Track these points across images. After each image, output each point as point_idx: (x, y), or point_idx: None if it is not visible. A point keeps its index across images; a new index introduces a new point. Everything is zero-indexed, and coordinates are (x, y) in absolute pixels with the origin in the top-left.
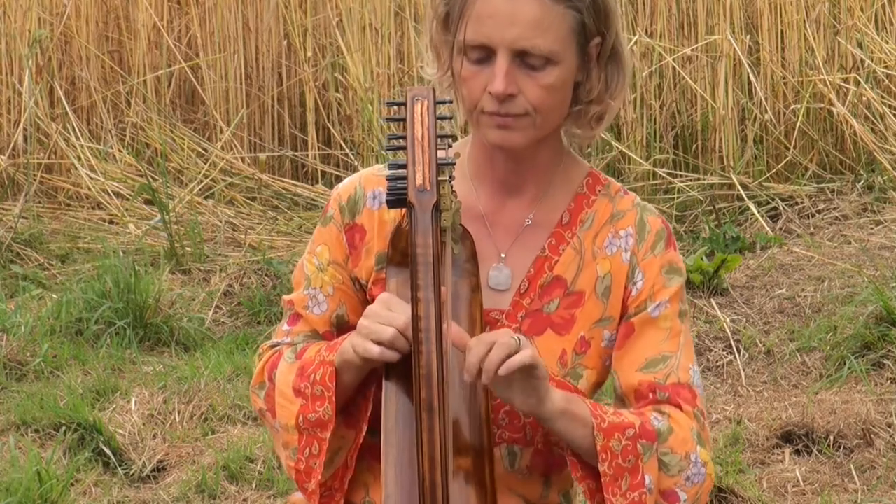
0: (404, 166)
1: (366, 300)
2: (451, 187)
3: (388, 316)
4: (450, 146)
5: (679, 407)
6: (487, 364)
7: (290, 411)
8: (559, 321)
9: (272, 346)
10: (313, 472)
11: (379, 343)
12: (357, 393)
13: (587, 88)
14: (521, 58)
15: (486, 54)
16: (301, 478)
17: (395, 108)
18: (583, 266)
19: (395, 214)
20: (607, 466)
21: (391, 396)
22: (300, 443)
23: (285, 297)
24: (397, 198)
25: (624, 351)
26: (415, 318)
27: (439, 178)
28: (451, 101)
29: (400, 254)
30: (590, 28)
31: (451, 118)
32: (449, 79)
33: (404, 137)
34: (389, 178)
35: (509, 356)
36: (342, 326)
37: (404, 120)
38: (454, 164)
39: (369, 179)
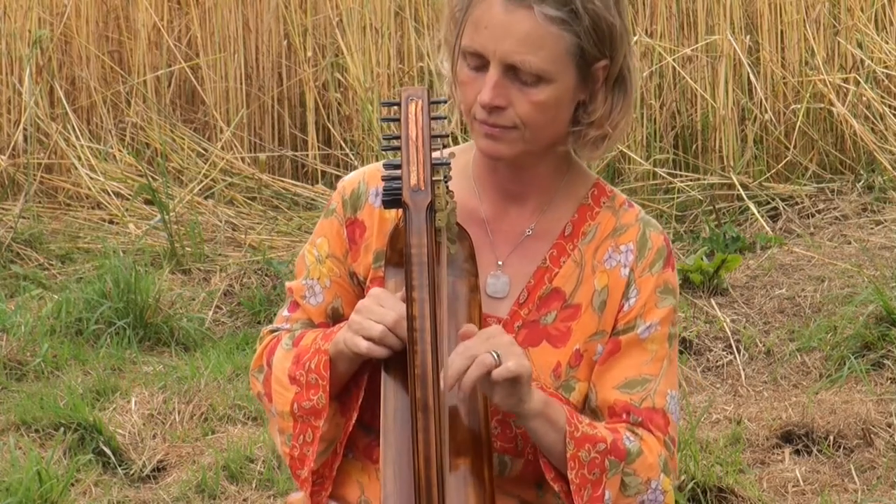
0: (400, 166)
1: (362, 295)
2: (447, 187)
3: (379, 312)
4: (445, 146)
5: (651, 432)
6: (464, 382)
7: (286, 398)
8: (555, 333)
9: (272, 331)
10: (306, 460)
11: (368, 339)
12: (350, 380)
13: (590, 109)
14: (513, 72)
15: (482, 62)
16: (295, 464)
17: (391, 108)
18: (582, 279)
19: (395, 213)
20: (574, 475)
21: (390, 396)
22: (295, 430)
23: (287, 284)
24: (392, 198)
25: (606, 367)
26: (410, 317)
27: (434, 178)
28: (446, 101)
29: (398, 254)
30: (589, 52)
31: (445, 118)
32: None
33: (399, 137)
34: (385, 179)
35: (488, 372)
36: (337, 319)
37: (399, 120)
38: (449, 163)
39: (373, 175)
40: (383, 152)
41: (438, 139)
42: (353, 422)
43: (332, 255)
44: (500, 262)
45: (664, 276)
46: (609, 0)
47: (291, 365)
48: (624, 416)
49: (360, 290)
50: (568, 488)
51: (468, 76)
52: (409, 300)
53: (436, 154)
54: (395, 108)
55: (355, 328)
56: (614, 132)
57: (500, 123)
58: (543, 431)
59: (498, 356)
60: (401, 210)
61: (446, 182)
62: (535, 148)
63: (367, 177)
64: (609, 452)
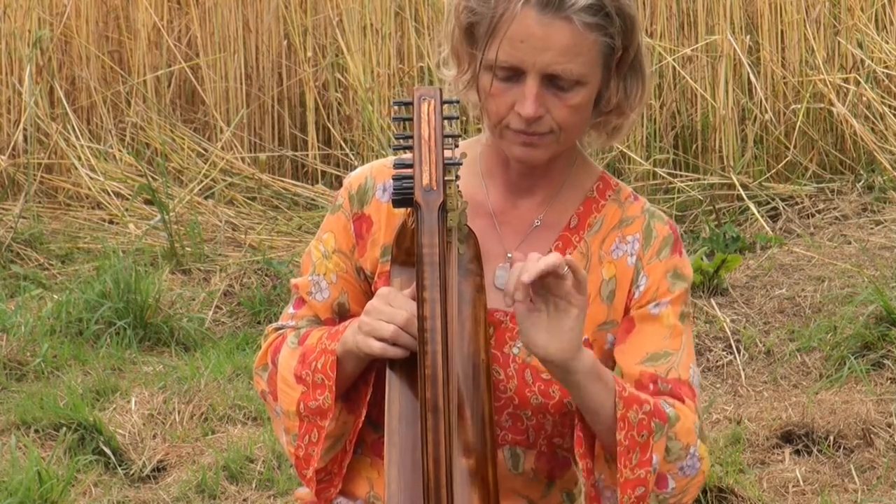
0: (410, 165)
1: (369, 290)
2: (458, 187)
3: (389, 312)
4: (456, 146)
5: (681, 401)
6: (541, 262)
7: (292, 397)
8: None
9: (277, 329)
10: (311, 459)
11: (381, 340)
12: (358, 378)
13: (606, 98)
14: (551, 80)
15: (514, 73)
16: (300, 464)
17: (402, 107)
18: (589, 270)
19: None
20: (623, 436)
21: (394, 397)
22: (300, 429)
23: (293, 280)
24: (403, 197)
25: (626, 345)
26: (420, 318)
27: (445, 178)
28: (457, 101)
29: (404, 253)
30: (617, 47)
31: (457, 118)
32: (465, 80)
33: (411, 137)
34: (395, 178)
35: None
36: (344, 315)
37: (411, 119)
38: (461, 164)
39: (380, 171)
40: (393, 151)
41: (450, 139)
42: (363, 419)
43: (338, 250)
44: (509, 255)
45: (672, 261)
46: None
47: (297, 364)
48: (651, 386)
49: (366, 285)
50: (592, 466)
51: (499, 88)
52: (419, 300)
53: (447, 153)
54: (406, 107)
55: (366, 330)
56: (633, 115)
57: (539, 131)
58: (596, 389)
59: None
60: (409, 209)
61: (456, 182)
62: (565, 148)
63: (373, 172)
64: (654, 415)
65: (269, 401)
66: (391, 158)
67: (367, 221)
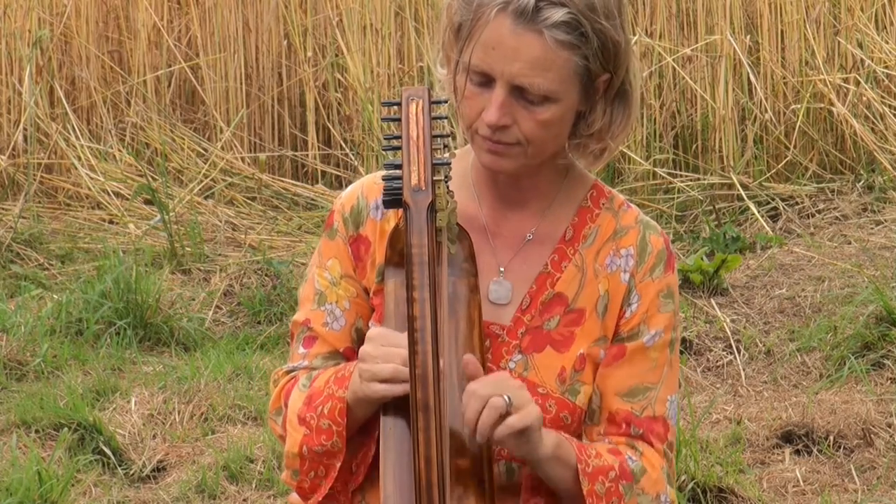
0: (400, 166)
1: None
2: (447, 187)
3: (384, 353)
4: (446, 146)
5: (651, 444)
6: (480, 426)
7: (294, 438)
8: (559, 338)
9: (288, 372)
10: (319, 490)
11: (382, 381)
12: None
13: (589, 121)
14: (519, 91)
15: (486, 79)
16: (304, 493)
17: (392, 108)
18: (584, 284)
19: (394, 221)
20: None
21: (389, 399)
22: (302, 467)
23: (295, 319)
24: (393, 198)
25: (611, 370)
26: (410, 318)
27: (435, 178)
28: (446, 101)
29: (398, 255)
30: (595, 70)
31: (447, 118)
32: (451, 81)
33: (400, 137)
34: (386, 179)
35: (501, 417)
36: (362, 340)
37: (400, 120)
38: (450, 163)
39: (370, 188)
40: (384, 152)
41: (439, 139)
42: (372, 451)
43: (345, 274)
44: (501, 269)
45: (665, 280)
46: (615, 17)
47: (303, 406)
48: (623, 426)
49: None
50: None
51: (471, 91)
52: (409, 300)
53: (436, 153)
54: (396, 107)
55: (367, 376)
56: (614, 143)
57: (505, 140)
58: (555, 472)
59: (509, 399)
60: (401, 210)
61: (447, 182)
62: (535, 162)
63: (364, 190)
64: (620, 478)
65: (283, 443)
66: (380, 173)
67: (364, 242)
